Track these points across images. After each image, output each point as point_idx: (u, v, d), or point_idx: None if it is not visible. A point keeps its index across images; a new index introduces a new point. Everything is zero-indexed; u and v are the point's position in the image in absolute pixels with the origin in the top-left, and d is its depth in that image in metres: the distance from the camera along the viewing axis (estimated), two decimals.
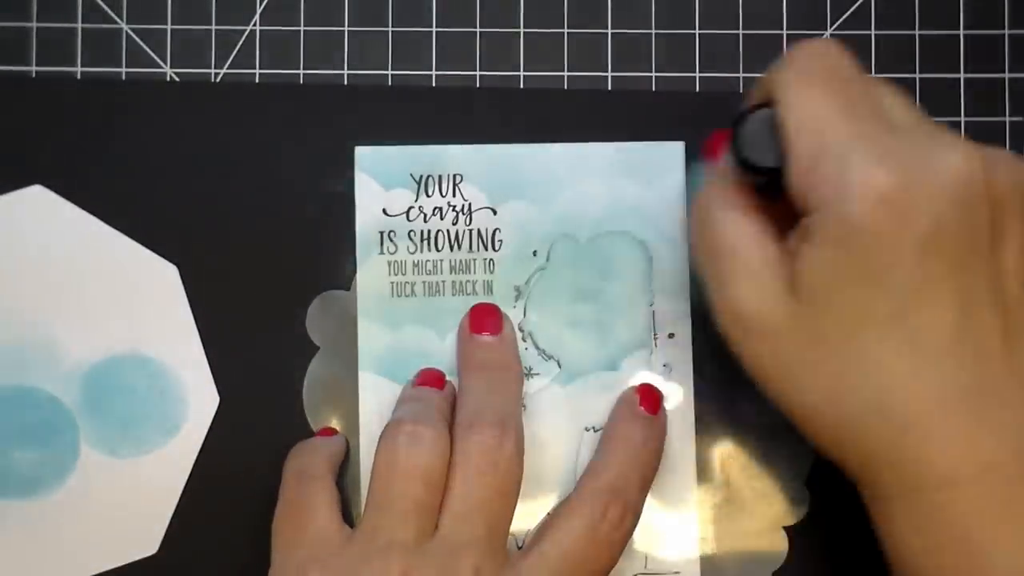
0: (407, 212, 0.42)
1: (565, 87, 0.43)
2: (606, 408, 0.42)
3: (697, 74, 0.43)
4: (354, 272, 0.42)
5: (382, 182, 0.42)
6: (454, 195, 0.42)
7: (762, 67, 0.43)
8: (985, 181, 0.30)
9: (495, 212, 0.42)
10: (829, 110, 0.30)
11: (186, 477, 0.41)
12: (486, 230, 0.42)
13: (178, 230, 0.42)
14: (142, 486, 0.41)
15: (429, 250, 0.42)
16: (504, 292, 0.42)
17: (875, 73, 0.43)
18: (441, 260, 0.42)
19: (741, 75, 0.43)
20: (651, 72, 0.43)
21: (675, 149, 0.42)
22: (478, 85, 0.43)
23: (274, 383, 0.42)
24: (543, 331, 0.42)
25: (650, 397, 0.40)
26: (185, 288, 0.42)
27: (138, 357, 0.42)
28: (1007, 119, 0.43)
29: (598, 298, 0.42)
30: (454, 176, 0.42)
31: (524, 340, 0.42)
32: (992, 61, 0.43)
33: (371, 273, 0.42)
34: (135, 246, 0.42)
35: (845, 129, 0.30)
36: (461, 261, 0.42)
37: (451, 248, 0.42)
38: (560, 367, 0.42)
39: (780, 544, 0.42)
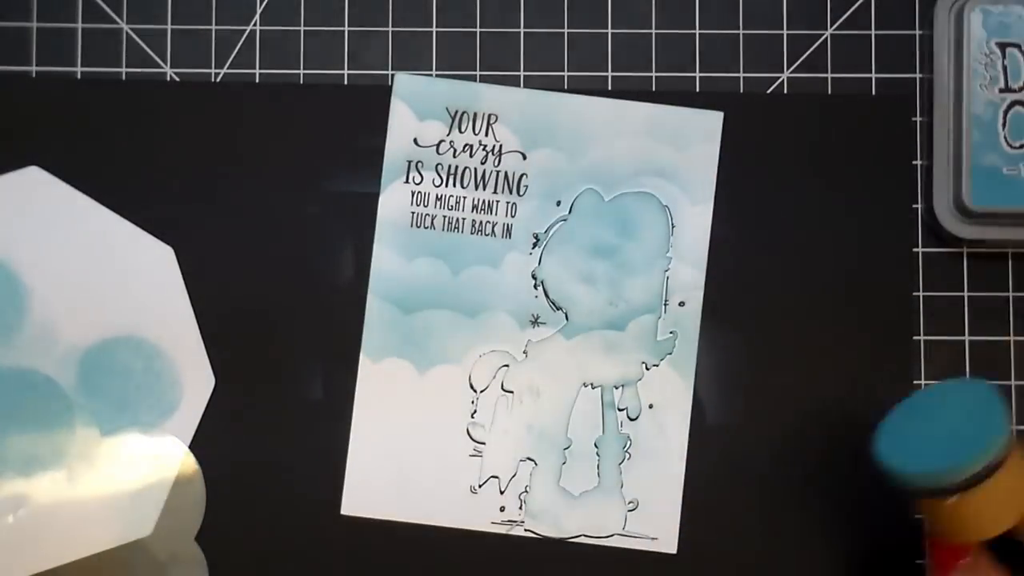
0: (437, 145, 0.42)
1: (565, 87, 0.43)
2: (607, 367, 0.42)
3: (697, 74, 0.43)
4: (354, 271, 0.42)
5: (417, 111, 0.42)
6: (487, 134, 0.42)
7: (762, 67, 0.43)
8: None
9: (524, 156, 0.42)
10: None
11: (181, 459, 0.42)
12: (513, 173, 0.42)
13: (176, 218, 0.42)
14: (137, 468, 0.41)
15: (454, 186, 0.42)
16: (522, 237, 0.42)
17: (875, 73, 0.43)
18: (464, 197, 0.42)
19: (741, 75, 0.43)
20: (651, 72, 0.43)
21: (714, 118, 0.42)
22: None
23: (269, 365, 0.42)
24: (556, 282, 0.42)
25: None
26: (182, 271, 0.42)
27: (134, 339, 0.42)
28: None
29: (614, 256, 0.42)
30: (489, 116, 0.42)
31: (536, 288, 0.42)
32: None
33: (393, 200, 0.42)
34: (132, 228, 0.42)
35: None
36: (484, 201, 0.42)
37: (476, 187, 0.42)
38: (567, 319, 0.42)
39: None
